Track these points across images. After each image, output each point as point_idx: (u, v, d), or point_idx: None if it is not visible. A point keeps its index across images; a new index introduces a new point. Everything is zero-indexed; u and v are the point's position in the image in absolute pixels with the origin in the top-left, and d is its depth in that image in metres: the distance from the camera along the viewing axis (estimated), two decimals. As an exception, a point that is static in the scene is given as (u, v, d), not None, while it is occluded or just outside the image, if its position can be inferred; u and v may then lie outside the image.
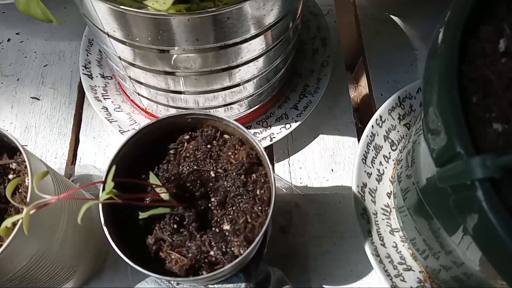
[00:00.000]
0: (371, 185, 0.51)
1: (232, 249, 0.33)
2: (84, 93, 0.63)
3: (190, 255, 0.32)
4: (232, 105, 0.55)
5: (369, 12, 0.70)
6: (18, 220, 0.31)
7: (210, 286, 0.38)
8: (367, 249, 0.46)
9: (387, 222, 0.50)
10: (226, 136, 0.37)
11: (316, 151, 0.59)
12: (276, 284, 0.42)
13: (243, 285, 0.38)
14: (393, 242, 0.49)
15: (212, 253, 0.33)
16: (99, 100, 0.58)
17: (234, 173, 0.34)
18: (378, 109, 0.60)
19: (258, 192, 0.34)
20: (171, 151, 0.36)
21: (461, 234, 0.33)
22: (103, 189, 0.31)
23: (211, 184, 0.36)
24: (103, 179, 0.31)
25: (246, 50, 0.43)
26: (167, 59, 0.42)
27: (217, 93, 0.50)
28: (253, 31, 0.41)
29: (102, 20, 0.38)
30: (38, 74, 0.64)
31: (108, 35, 0.41)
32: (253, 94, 0.54)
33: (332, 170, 0.58)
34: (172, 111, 0.55)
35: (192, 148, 0.36)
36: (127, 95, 0.58)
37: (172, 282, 0.39)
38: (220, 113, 0.56)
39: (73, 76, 0.64)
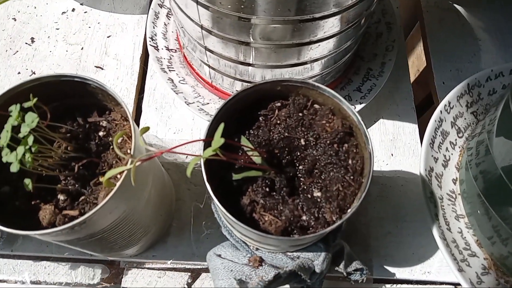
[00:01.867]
0: (438, 170, 0.51)
1: (324, 215, 0.33)
2: (146, 65, 0.64)
3: (283, 217, 0.33)
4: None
5: (432, 0, 0.69)
6: (121, 173, 0.32)
7: (289, 252, 0.39)
8: (435, 232, 0.46)
9: (452, 208, 0.50)
10: (316, 106, 0.37)
11: (376, 135, 0.59)
12: (348, 259, 0.42)
13: (322, 254, 0.38)
14: (458, 227, 0.49)
15: (304, 217, 0.33)
16: (165, 72, 0.59)
17: (328, 141, 0.35)
18: (439, 97, 0.60)
19: (350, 162, 0.35)
20: (262, 118, 0.37)
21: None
22: (206, 147, 0.31)
23: (299, 152, 0.36)
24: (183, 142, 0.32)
25: (321, 27, 0.43)
26: (246, 28, 0.43)
27: (284, 69, 0.51)
28: (333, 9, 0.41)
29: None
30: (101, 44, 0.66)
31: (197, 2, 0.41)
32: (318, 74, 0.54)
33: (392, 154, 0.58)
34: (237, 85, 0.55)
35: (284, 115, 0.36)
36: (192, 68, 0.59)
37: (251, 247, 0.40)
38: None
39: (135, 48, 0.65)
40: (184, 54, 0.59)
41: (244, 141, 0.34)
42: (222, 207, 0.30)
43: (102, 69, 0.64)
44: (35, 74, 0.63)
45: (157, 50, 0.60)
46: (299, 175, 0.36)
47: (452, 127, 0.53)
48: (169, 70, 0.59)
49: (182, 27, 0.51)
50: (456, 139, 0.53)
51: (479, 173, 0.47)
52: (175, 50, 0.61)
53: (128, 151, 0.36)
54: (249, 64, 0.50)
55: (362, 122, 0.33)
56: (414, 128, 0.59)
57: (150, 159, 0.31)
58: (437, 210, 0.48)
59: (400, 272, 0.50)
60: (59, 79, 0.36)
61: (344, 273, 0.43)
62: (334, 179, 0.34)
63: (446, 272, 0.49)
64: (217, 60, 0.51)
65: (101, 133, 0.39)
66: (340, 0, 0.40)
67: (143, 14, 0.68)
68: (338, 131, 0.34)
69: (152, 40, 0.61)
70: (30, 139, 0.32)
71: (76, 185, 0.37)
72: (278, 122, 0.36)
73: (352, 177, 0.34)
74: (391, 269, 0.50)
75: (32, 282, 0.52)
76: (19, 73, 0.63)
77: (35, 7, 0.68)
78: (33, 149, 0.33)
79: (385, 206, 0.52)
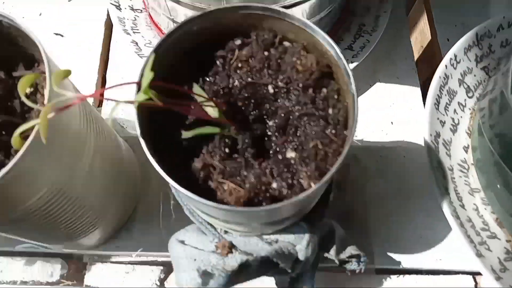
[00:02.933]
0: (445, 136, 0.43)
1: (300, 180, 0.26)
2: (111, 30, 0.57)
3: (247, 185, 0.25)
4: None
5: None
6: (33, 127, 0.24)
7: (266, 235, 0.32)
8: (446, 209, 0.38)
9: (465, 181, 0.42)
10: (286, 43, 0.29)
11: (373, 100, 0.51)
12: (340, 244, 0.34)
13: (306, 236, 0.31)
14: (474, 204, 0.41)
15: (274, 185, 0.26)
16: (128, 34, 0.51)
17: (301, 85, 0.27)
18: (443, 54, 0.52)
19: (330, 111, 0.27)
20: (219, 60, 0.29)
21: None
22: (139, 90, 0.24)
23: (268, 104, 0.29)
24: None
25: None
26: None
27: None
28: None
29: None
30: (62, 9, 0.58)
31: None
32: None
33: (392, 122, 0.50)
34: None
35: (245, 55, 0.28)
36: (159, 29, 0.51)
37: (218, 230, 0.32)
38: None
39: (100, 11, 0.58)
40: (149, 14, 0.52)
41: (196, 89, 0.27)
42: (162, 171, 0.23)
43: (62, 36, 0.56)
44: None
45: (119, 9, 0.53)
46: (270, 133, 0.28)
47: (460, 85, 0.45)
48: (133, 32, 0.52)
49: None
50: (465, 100, 0.45)
51: (494, 137, 0.39)
52: (141, 10, 0.54)
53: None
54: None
55: (342, 56, 0.26)
56: (416, 92, 0.52)
57: (66, 108, 0.24)
58: (447, 183, 0.40)
59: (406, 260, 0.42)
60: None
61: (336, 261, 0.35)
62: (311, 134, 0.26)
63: (461, 259, 0.41)
64: (185, 14, 0.44)
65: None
66: None
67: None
68: (311, 69, 0.27)
69: (114, -2, 0.53)
70: None
71: (-3, 155, 0.29)
72: (240, 65, 0.29)
73: (333, 131, 0.26)
74: (395, 256, 0.42)
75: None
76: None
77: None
78: None
79: (386, 182, 0.45)
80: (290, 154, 0.27)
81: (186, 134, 0.26)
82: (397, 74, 0.52)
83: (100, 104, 0.54)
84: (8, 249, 0.45)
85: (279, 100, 0.28)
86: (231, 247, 0.32)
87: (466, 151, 0.44)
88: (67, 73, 0.25)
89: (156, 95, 0.23)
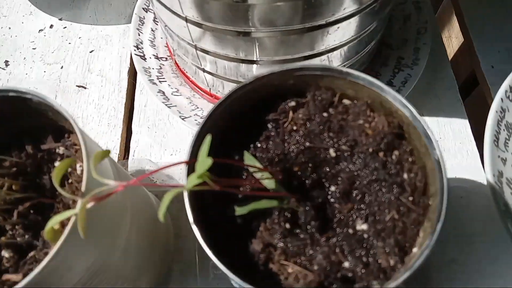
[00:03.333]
0: (508, 175, 0.39)
1: (377, 259, 0.22)
2: (136, 79, 0.55)
3: (316, 267, 0.22)
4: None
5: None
6: (69, 218, 0.21)
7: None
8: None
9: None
10: (346, 101, 0.26)
11: (418, 136, 0.47)
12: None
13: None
14: (548, 249, 0.37)
15: (346, 264, 0.22)
16: (154, 83, 0.49)
17: (371, 149, 0.24)
18: (490, 83, 0.49)
19: (405, 176, 0.24)
20: (271, 124, 0.26)
21: None
22: (189, 172, 0.21)
23: (328, 167, 0.25)
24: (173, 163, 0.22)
25: (340, 3, 0.33)
26: (243, 11, 0.33)
27: (297, 64, 0.40)
28: None
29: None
30: (83, 60, 0.57)
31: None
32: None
33: (441, 159, 0.46)
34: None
35: (301, 118, 0.25)
36: (186, 76, 0.49)
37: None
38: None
39: (122, 61, 0.56)
40: (175, 61, 0.50)
41: (248, 158, 0.24)
42: (220, 263, 0.20)
43: (85, 88, 0.55)
44: (8, 101, 0.54)
45: (144, 59, 0.51)
46: (332, 199, 0.25)
47: (518, 118, 0.41)
48: (159, 81, 0.50)
49: (166, 26, 0.41)
50: (525, 133, 0.41)
51: None
52: (166, 58, 0.52)
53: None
54: (252, 62, 0.40)
55: (419, 117, 0.22)
56: (464, 124, 0.48)
57: (106, 196, 0.21)
58: (517, 228, 0.36)
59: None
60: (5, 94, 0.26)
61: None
62: (385, 202, 0.23)
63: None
64: (214, 62, 0.42)
65: (57, 163, 0.29)
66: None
67: (129, 23, 0.59)
68: (383, 133, 0.23)
69: (138, 48, 0.52)
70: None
71: (27, 236, 0.27)
72: (295, 128, 0.26)
73: (411, 198, 0.23)
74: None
75: None
76: (-10, 101, 0.54)
77: (10, 28, 0.61)
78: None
79: (445, 226, 0.40)
80: (361, 226, 0.23)
81: (240, 211, 0.23)
82: (442, 107, 0.49)
83: (125, 155, 0.52)
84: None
85: (341, 164, 0.25)
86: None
87: (532, 191, 0.40)
88: (106, 153, 0.22)
89: (209, 176, 0.20)
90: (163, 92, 0.49)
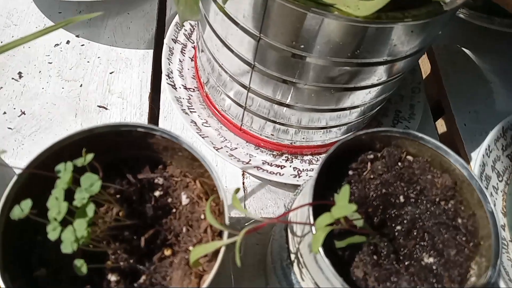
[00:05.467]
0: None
1: (445, 285, 0.29)
2: (157, 105, 0.57)
3: (402, 292, 0.28)
4: (332, 129, 0.52)
5: (441, 43, 0.70)
6: (218, 249, 0.25)
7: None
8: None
9: (507, 256, 0.48)
10: (409, 157, 0.33)
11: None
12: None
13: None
14: (517, 278, 0.46)
15: (422, 290, 0.28)
16: (186, 113, 0.52)
17: (438, 199, 0.31)
18: (464, 138, 0.60)
19: (459, 221, 0.31)
20: (351, 172, 0.32)
21: None
22: (318, 213, 0.26)
23: (394, 210, 0.32)
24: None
25: (374, 73, 0.41)
26: (297, 67, 0.39)
27: (321, 113, 0.47)
28: (399, 55, 0.38)
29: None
30: (104, 81, 0.58)
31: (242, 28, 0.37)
32: (354, 121, 0.51)
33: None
34: (267, 129, 0.51)
35: (380, 169, 0.32)
36: (215, 108, 0.53)
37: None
38: (318, 136, 0.53)
39: (143, 86, 0.59)
40: (206, 93, 0.54)
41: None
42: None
43: (106, 109, 0.56)
44: (24, 114, 0.54)
45: (175, 89, 0.54)
46: (398, 236, 0.31)
47: (492, 171, 0.52)
48: (190, 112, 0.53)
49: (220, 65, 0.45)
50: (497, 183, 0.52)
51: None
52: (193, 90, 0.56)
53: (203, 216, 0.30)
54: (285, 105, 0.46)
55: (476, 177, 0.30)
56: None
57: (254, 230, 0.25)
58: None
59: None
60: (117, 129, 0.29)
61: None
62: (447, 241, 0.30)
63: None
64: (256, 102, 0.47)
65: (157, 193, 0.32)
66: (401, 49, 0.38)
67: (148, 49, 0.62)
68: (449, 186, 0.30)
69: (169, 77, 0.54)
70: (90, 209, 0.25)
71: (131, 261, 0.29)
72: (372, 177, 0.32)
73: (464, 238, 0.30)
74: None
75: None
76: (4, 113, 0.53)
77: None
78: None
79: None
80: (429, 259, 0.30)
81: (339, 244, 0.28)
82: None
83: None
84: None
85: (406, 207, 0.32)
86: None
87: (504, 229, 0.50)
88: (237, 190, 0.26)
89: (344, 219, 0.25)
90: (195, 122, 0.52)
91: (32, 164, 0.26)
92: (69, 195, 0.25)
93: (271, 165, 0.51)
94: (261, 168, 0.50)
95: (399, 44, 0.37)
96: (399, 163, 0.33)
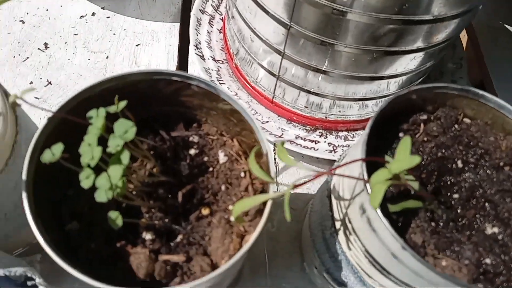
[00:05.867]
0: None
1: (512, 257, 0.25)
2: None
3: (466, 262, 0.25)
4: (368, 102, 0.49)
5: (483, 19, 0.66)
6: (265, 202, 0.22)
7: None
8: None
9: None
10: (467, 120, 0.30)
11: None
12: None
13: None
14: None
15: (487, 261, 0.25)
16: (216, 85, 0.50)
17: (502, 163, 0.27)
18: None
19: (527, 187, 0.28)
20: (402, 133, 0.29)
21: None
22: (373, 170, 0.23)
23: (451, 176, 0.29)
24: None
25: (420, 34, 0.38)
26: (335, 25, 0.36)
27: (361, 83, 0.44)
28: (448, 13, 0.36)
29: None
30: (130, 53, 0.56)
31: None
32: (391, 94, 0.48)
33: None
34: (300, 101, 0.48)
35: (435, 131, 0.29)
36: (246, 81, 0.51)
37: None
38: (354, 110, 0.50)
39: (170, 58, 0.57)
40: (236, 65, 0.51)
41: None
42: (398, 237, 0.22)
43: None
44: (51, 84, 0.52)
45: (203, 60, 0.52)
46: (455, 204, 0.28)
47: None
48: (220, 84, 0.51)
49: (253, 30, 0.43)
50: None
51: None
52: (222, 61, 0.53)
53: (242, 174, 0.27)
54: (322, 71, 0.43)
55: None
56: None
57: (302, 185, 0.22)
58: None
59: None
60: (150, 77, 0.27)
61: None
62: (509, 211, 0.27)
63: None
64: (286, 68, 0.44)
65: (192, 151, 0.29)
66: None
67: (174, 22, 0.60)
68: (514, 149, 0.27)
69: (197, 48, 0.52)
70: (125, 156, 0.23)
71: (166, 220, 0.27)
72: (426, 139, 0.29)
73: (533, 207, 0.27)
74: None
75: None
76: (31, 82, 0.52)
77: (47, 9, 0.58)
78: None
79: None
80: (492, 229, 0.27)
81: (393, 208, 0.26)
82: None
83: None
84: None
85: (465, 174, 0.29)
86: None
87: None
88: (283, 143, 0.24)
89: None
90: (225, 94, 0.50)
91: (62, 109, 0.24)
92: (101, 145, 0.23)
93: (304, 140, 0.48)
94: (294, 142, 0.47)
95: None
96: (456, 125, 0.29)
